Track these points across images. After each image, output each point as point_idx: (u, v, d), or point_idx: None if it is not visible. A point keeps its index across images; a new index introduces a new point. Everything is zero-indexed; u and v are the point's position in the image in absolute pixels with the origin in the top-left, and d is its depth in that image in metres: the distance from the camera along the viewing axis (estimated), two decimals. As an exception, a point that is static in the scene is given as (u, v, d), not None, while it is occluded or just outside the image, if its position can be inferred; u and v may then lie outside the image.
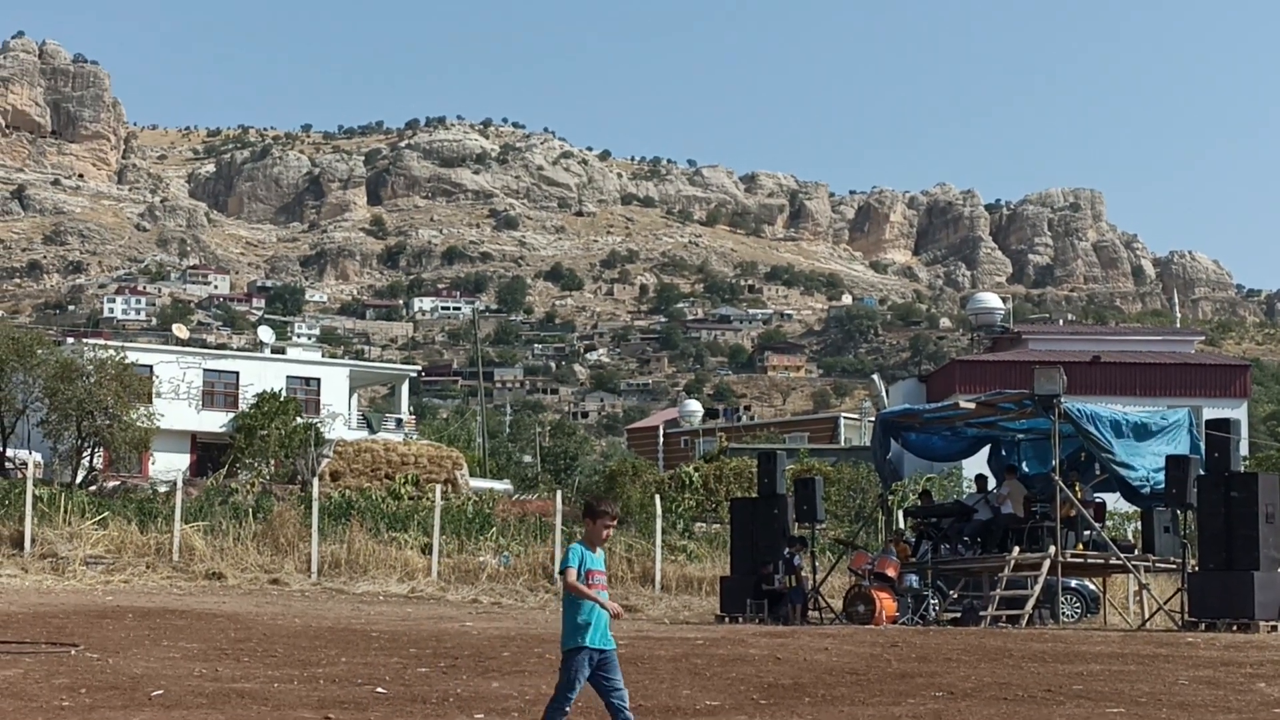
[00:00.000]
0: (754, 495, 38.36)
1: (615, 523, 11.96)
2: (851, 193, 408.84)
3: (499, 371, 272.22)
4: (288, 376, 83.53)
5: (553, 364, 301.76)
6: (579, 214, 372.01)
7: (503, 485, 69.28)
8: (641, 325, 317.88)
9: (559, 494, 45.34)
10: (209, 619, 26.60)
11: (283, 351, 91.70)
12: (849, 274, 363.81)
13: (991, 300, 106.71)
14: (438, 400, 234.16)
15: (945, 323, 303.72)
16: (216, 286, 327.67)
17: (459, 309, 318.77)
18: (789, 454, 55.10)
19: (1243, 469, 33.73)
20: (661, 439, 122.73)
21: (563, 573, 11.75)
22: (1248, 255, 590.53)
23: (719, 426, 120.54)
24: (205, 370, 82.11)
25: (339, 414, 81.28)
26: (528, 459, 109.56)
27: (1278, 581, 28.88)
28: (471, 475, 67.26)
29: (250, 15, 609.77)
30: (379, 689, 16.71)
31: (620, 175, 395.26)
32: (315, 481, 45.23)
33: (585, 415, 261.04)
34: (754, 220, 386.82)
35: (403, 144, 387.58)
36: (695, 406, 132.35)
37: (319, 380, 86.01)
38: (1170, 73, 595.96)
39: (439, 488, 50.38)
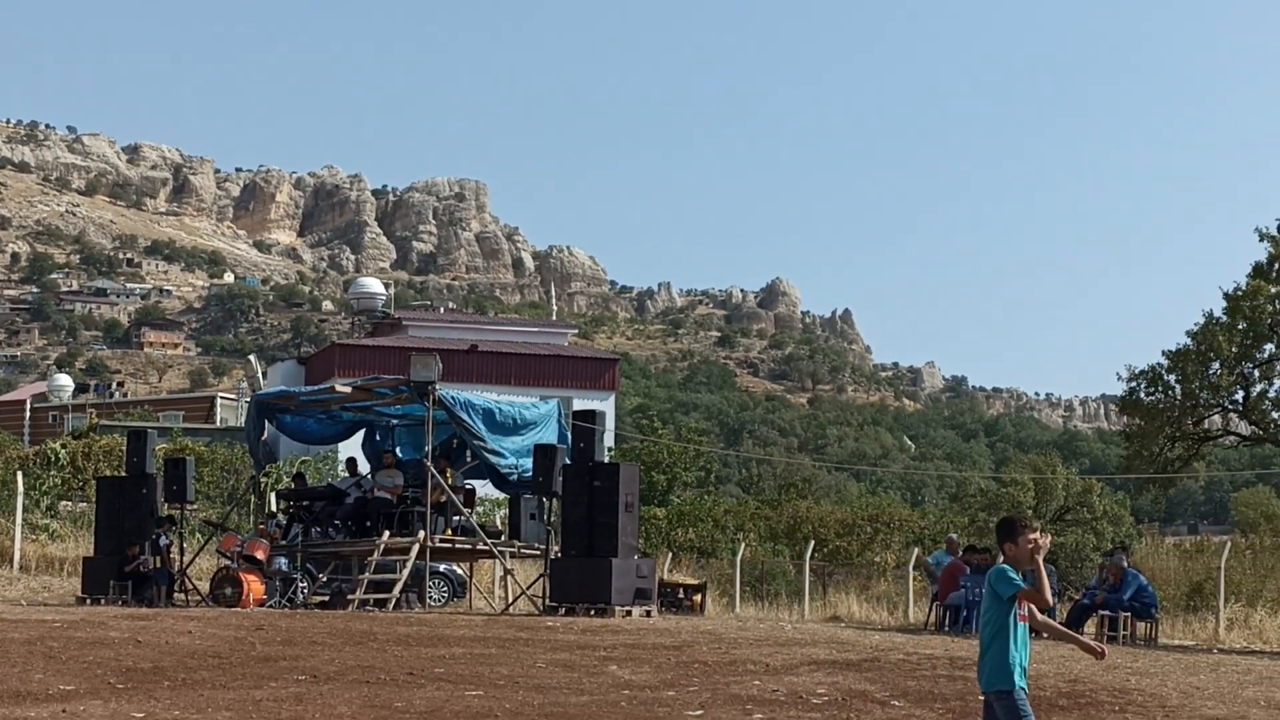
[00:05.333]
0: (123, 474, 37.39)
1: (1037, 535, 9.91)
2: (238, 170, 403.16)
3: None
4: None
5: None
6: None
7: None
8: (12, 295, 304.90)
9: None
10: None
11: None
12: (232, 252, 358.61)
13: (374, 285, 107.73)
14: None
15: (328, 306, 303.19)
16: None
17: None
18: (162, 433, 53.78)
19: (607, 460, 35.06)
20: (28, 413, 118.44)
21: (1012, 598, 9.79)
22: (621, 253, 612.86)
23: (90, 402, 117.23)
24: None
25: None
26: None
27: (633, 568, 30.18)
28: None
29: None
30: None
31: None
32: None
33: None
34: (135, 192, 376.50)
35: None
36: (66, 381, 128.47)
37: None
38: (568, 72, 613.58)
39: None
